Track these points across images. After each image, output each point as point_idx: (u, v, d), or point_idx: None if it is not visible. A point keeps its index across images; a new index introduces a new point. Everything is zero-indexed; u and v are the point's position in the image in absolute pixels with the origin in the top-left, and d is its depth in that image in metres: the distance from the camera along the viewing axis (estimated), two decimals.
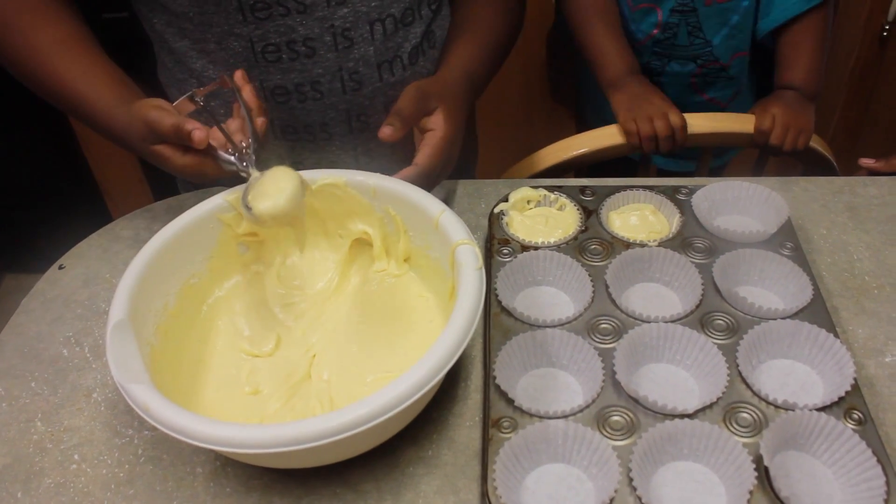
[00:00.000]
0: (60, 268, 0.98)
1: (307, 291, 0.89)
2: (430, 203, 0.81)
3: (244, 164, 0.83)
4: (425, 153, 0.89)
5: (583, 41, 1.37)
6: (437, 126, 0.90)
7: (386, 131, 0.87)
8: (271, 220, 0.79)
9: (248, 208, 0.79)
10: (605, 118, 1.32)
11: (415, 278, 0.88)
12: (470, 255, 0.75)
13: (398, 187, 0.84)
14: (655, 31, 1.39)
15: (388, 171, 0.86)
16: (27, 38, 0.90)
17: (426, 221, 0.81)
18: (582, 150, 1.18)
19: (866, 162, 1.10)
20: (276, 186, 0.79)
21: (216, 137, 0.84)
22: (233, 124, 0.86)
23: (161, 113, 0.82)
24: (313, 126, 1.02)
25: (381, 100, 1.03)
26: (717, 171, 1.56)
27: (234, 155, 0.83)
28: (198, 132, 0.80)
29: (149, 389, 0.65)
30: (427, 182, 0.87)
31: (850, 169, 1.14)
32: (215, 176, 0.85)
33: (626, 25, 1.42)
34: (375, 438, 0.71)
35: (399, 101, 0.90)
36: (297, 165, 1.03)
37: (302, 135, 1.01)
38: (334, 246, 0.91)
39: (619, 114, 1.27)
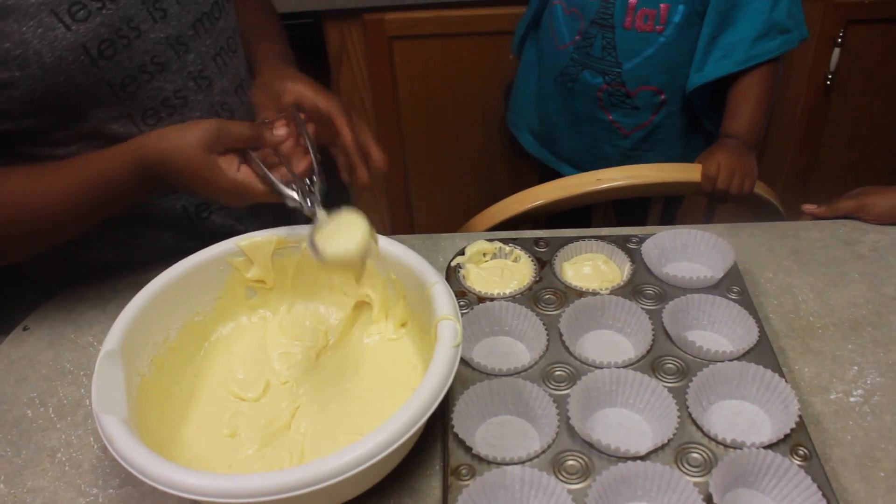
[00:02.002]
0: (25, 329, 0.99)
1: (305, 343, 0.91)
2: (427, 273, 0.82)
3: (308, 201, 0.85)
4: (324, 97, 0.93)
5: None
6: (301, 90, 0.93)
7: (280, 130, 0.90)
8: (339, 265, 0.82)
9: (315, 248, 0.80)
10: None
11: (409, 344, 0.89)
12: (449, 332, 0.75)
13: (401, 253, 0.85)
14: (577, 38, 1.45)
15: None
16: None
17: (421, 290, 0.82)
18: (536, 203, 1.22)
19: (809, 208, 1.13)
20: (347, 232, 0.81)
21: (281, 173, 0.87)
22: (293, 154, 0.89)
23: (233, 122, 0.87)
24: None
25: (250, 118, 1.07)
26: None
27: (296, 191, 0.85)
28: (281, 126, 0.88)
29: (117, 421, 0.68)
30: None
31: (801, 214, 1.18)
32: (259, 197, 0.86)
33: (556, 26, 1.48)
34: (328, 501, 0.72)
35: (255, 101, 0.98)
36: (201, 206, 1.07)
37: None
38: (339, 303, 0.94)
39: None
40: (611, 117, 1.51)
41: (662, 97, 1.46)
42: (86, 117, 0.92)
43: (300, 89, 0.94)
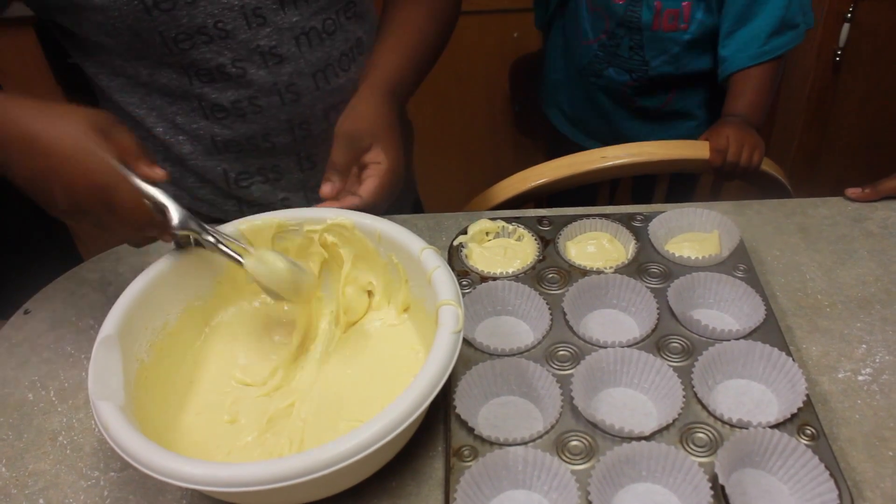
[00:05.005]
0: (26, 312, 0.99)
1: (309, 329, 0.90)
2: (428, 257, 0.81)
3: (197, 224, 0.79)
4: (369, 187, 0.88)
5: None
6: (378, 159, 0.89)
7: (326, 189, 0.88)
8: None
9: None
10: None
11: (411, 329, 0.87)
12: (451, 317, 0.73)
13: (401, 236, 0.84)
14: (602, 37, 1.48)
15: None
16: None
17: (422, 274, 0.81)
18: (540, 181, 1.20)
19: (854, 192, 1.09)
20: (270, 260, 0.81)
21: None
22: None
23: (122, 129, 0.75)
24: (255, 137, 1.04)
25: (320, 107, 1.05)
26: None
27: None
28: (159, 170, 0.75)
29: (113, 408, 0.67)
30: (370, 212, 0.87)
31: (810, 193, 1.16)
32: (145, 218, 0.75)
33: (581, 21, 1.51)
34: (326, 489, 0.72)
35: (332, 154, 0.90)
36: (242, 174, 1.07)
37: (244, 146, 1.04)
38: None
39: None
40: (637, 104, 1.53)
41: (684, 77, 1.47)
42: (139, 55, 0.94)
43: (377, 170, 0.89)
